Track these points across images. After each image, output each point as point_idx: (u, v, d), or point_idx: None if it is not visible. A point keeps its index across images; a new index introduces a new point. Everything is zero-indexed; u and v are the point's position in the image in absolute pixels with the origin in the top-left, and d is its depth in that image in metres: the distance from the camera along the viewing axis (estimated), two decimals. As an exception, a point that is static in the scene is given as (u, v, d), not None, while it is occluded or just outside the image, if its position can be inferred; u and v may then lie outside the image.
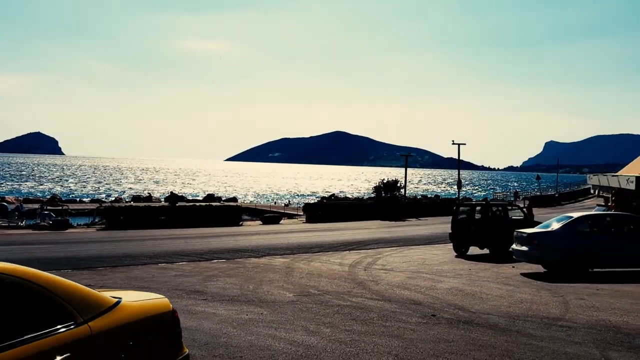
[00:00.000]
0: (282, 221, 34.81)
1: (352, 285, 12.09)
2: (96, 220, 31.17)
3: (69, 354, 3.39)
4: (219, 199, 55.87)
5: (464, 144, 41.56)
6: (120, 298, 4.09)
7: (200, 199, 56.52)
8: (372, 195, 43.92)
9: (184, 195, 62.28)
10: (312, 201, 50.88)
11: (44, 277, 3.61)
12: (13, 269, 3.49)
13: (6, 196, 49.38)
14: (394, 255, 17.74)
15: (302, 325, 8.31)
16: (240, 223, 33.09)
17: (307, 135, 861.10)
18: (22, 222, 31.36)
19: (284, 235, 25.17)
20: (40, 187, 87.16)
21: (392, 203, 39.11)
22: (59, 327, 3.48)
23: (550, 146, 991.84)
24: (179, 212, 32.67)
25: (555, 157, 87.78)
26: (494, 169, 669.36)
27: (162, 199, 54.00)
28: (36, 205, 39.24)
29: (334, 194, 70.93)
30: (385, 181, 41.10)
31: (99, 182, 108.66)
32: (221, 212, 33.79)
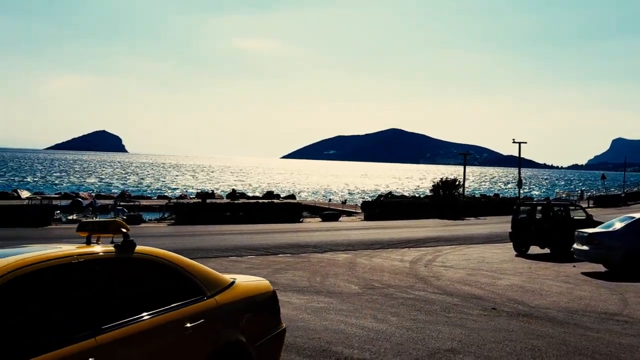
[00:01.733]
0: (340, 218, 35.72)
1: (413, 280, 12.79)
2: (165, 215, 33.07)
3: (203, 319, 4.35)
4: (277, 196, 57.42)
5: (525, 143, 41.15)
6: (234, 279, 5.05)
7: (260, 195, 58.26)
8: (430, 193, 44.18)
9: (244, 192, 64.28)
10: (368, 199, 51.54)
11: (182, 260, 4.60)
12: (163, 253, 4.49)
13: (80, 192, 52.69)
14: (454, 253, 18.25)
15: (369, 313, 9.13)
16: (301, 220, 34.20)
17: (362, 133, 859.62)
18: (96, 217, 33.65)
19: (344, 232, 26.04)
20: (97, 182, 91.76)
21: (450, 202, 39.29)
22: (194, 299, 4.45)
23: (618, 144, 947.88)
24: (242, 208, 34.17)
25: (623, 155, 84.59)
26: (557, 167, 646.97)
27: (224, 196, 56.09)
28: (107, 201, 41.85)
29: (390, 192, 71.27)
30: (443, 179, 41.29)
31: (157, 179, 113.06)
32: (282, 209, 35.07)
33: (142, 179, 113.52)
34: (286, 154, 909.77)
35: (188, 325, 4.22)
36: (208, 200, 39.29)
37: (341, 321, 8.54)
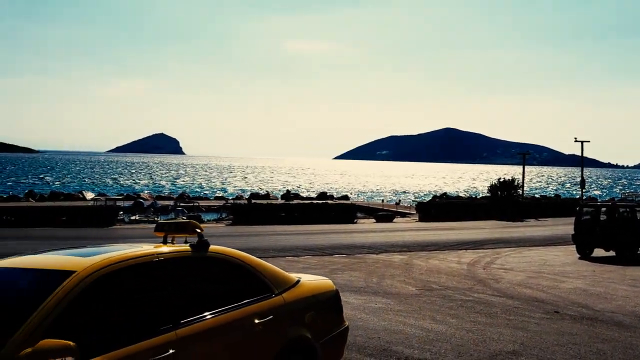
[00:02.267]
0: (395, 219, 35.60)
1: (472, 282, 12.70)
2: (223, 216, 33.95)
3: (272, 316, 4.59)
4: (331, 197, 57.72)
5: (588, 141, 39.76)
6: (299, 277, 5.27)
7: (314, 196, 58.75)
8: (487, 194, 43.34)
9: (298, 193, 64.96)
10: (422, 200, 51.08)
11: (251, 259, 4.86)
12: (234, 252, 4.76)
13: (141, 193, 54.72)
14: (513, 256, 17.94)
15: (428, 315, 9.18)
16: (355, 221, 34.32)
17: (415, 133, 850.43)
18: (157, 218, 34.87)
19: (399, 233, 25.99)
20: (157, 184, 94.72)
21: (508, 203, 38.43)
22: (263, 296, 4.69)
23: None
24: (297, 209, 34.63)
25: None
26: (622, 167, 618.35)
27: (279, 196, 56.90)
28: (167, 202, 43.28)
29: (445, 193, 70.28)
30: (501, 180, 40.43)
31: (213, 180, 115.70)
32: (337, 209, 35.31)
33: (200, 180, 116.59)
34: (339, 154, 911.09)
35: (258, 321, 4.46)
36: (264, 201, 40.02)
37: (400, 322, 8.64)
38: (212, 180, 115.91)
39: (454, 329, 8.16)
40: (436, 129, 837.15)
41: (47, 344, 3.08)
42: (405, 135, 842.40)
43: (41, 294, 3.46)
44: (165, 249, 4.39)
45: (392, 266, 15.22)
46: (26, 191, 55.03)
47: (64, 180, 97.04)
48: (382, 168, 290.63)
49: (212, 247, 4.61)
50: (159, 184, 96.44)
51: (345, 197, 58.97)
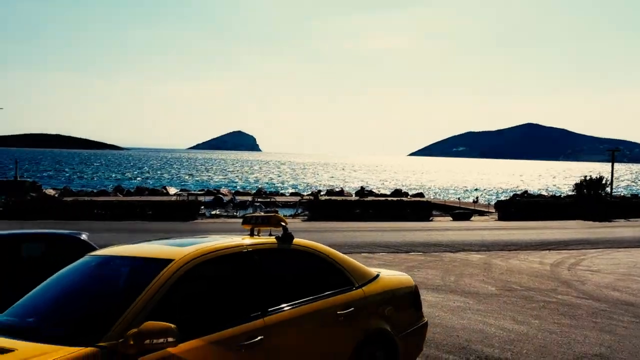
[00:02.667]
0: (472, 218, 34.84)
1: (555, 283, 12.28)
2: (299, 211, 34.56)
3: (353, 308, 4.73)
4: (406, 194, 57.23)
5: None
6: (379, 272, 5.38)
7: (388, 193, 58.47)
8: (572, 193, 41.45)
9: (372, 190, 64.89)
10: (502, 198, 49.56)
11: (333, 252, 5.03)
12: (317, 245, 4.95)
13: (221, 189, 56.66)
14: (600, 257, 17.12)
15: (509, 315, 9.00)
16: (431, 218, 33.91)
17: (494, 129, 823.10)
18: (236, 212, 36.04)
19: (477, 232, 25.42)
20: (234, 180, 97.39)
21: (595, 202, 36.57)
22: (344, 288, 4.85)
23: None
24: (371, 206, 34.68)
25: None
26: None
27: (353, 193, 57.09)
28: (245, 198, 44.59)
29: (526, 191, 67.78)
30: (587, 178, 38.53)
31: (290, 177, 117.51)
32: (412, 207, 35.03)
33: (275, 177, 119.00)
34: (413, 151, 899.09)
35: (339, 312, 4.62)
36: (339, 198, 40.32)
37: (479, 321, 8.55)
38: (287, 177, 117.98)
39: (536, 330, 7.98)
40: (516, 124, 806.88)
41: (150, 325, 3.37)
42: (483, 132, 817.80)
43: (143, 280, 3.78)
44: (253, 240, 4.64)
45: (470, 265, 14.97)
46: (114, 186, 58.44)
47: (147, 176, 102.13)
48: (459, 165, 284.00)
49: (296, 240, 4.82)
50: (237, 180, 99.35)
51: (420, 195, 58.26)
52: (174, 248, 4.22)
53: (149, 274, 3.81)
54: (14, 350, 3.24)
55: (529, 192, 66.88)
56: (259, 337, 3.96)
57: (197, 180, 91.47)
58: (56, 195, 38.42)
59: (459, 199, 58.63)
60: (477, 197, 59.73)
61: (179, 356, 3.52)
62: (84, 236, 7.99)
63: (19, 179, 55.53)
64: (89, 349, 3.25)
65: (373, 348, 4.84)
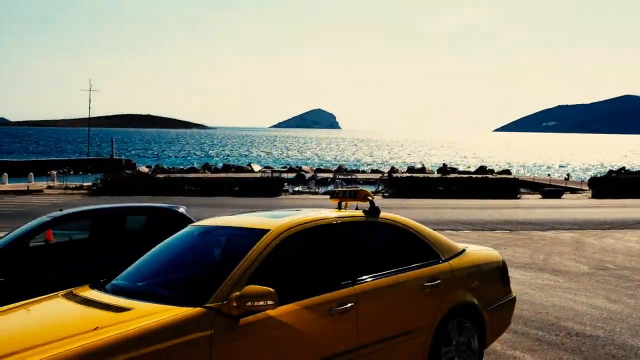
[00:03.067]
0: (563, 196, 33.38)
1: (654, 263, 11.67)
2: (380, 188, 34.59)
3: (439, 280, 4.84)
4: (491, 171, 55.57)
5: None
6: (466, 247, 5.43)
7: (472, 170, 57.03)
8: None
9: (455, 167, 63.53)
10: (594, 175, 47.00)
11: (419, 226, 5.14)
12: (403, 219, 5.08)
13: (302, 166, 57.65)
14: None
15: (602, 294, 8.72)
16: (518, 196, 32.83)
17: (587, 102, 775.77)
18: (318, 189, 36.60)
19: (568, 210, 24.40)
20: (314, 157, 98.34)
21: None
22: (430, 261, 4.95)
23: None
24: (455, 183, 34.05)
25: None
26: None
27: (435, 170, 56.20)
28: (326, 175, 45.14)
29: (623, 168, 63.75)
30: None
31: (369, 154, 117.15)
32: (497, 184, 34.04)
33: (356, 154, 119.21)
34: (499, 127, 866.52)
35: (426, 284, 4.74)
36: (420, 175, 39.87)
37: (570, 299, 8.36)
38: (367, 155, 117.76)
39: (631, 309, 7.70)
40: (612, 96, 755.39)
41: (252, 289, 3.66)
42: (575, 105, 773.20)
43: (243, 248, 4.08)
44: (341, 213, 4.84)
45: (561, 244, 14.49)
46: (202, 164, 60.98)
47: (232, 154, 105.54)
48: (549, 141, 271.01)
49: (383, 214, 4.97)
50: (317, 157, 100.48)
51: (507, 172, 56.34)
52: (270, 219, 4.50)
53: (248, 243, 4.10)
54: (132, 309, 3.64)
55: (626, 168, 62.85)
56: (349, 304, 4.17)
57: (279, 158, 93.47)
58: (149, 173, 40.70)
59: (548, 175, 56.20)
60: (568, 174, 56.96)
61: (277, 318, 3.79)
62: (181, 209, 8.54)
63: (114, 157, 59.30)
64: (197, 309, 3.58)
65: (460, 320, 4.93)
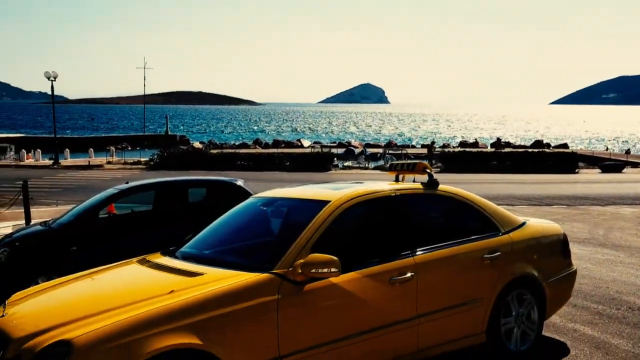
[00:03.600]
0: (624, 170, 32.18)
1: None
2: (432, 163, 34.25)
3: (499, 252, 4.85)
4: (547, 145, 53.95)
5: None
6: (526, 220, 5.40)
7: (528, 145, 55.52)
8: None
9: (509, 141, 61.99)
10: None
11: (478, 199, 5.14)
12: (461, 192, 5.09)
13: (351, 141, 57.57)
14: None
15: (666, 270, 8.47)
16: (576, 171, 31.90)
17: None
18: (368, 164, 36.57)
19: (630, 185, 23.55)
20: (362, 132, 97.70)
21: None
22: (490, 234, 4.96)
23: None
24: (509, 157, 33.34)
25: None
26: None
27: (488, 145, 55.02)
28: (376, 150, 44.97)
29: (690, 141, 60.56)
30: None
31: (413, 128, 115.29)
32: (554, 158, 33.13)
33: (404, 128, 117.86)
34: (556, 99, 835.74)
35: (485, 256, 4.76)
36: (473, 150, 39.17)
37: (631, 274, 8.17)
38: (416, 129, 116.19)
39: (699, 287, 7.46)
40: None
41: (316, 257, 3.80)
42: (637, 75, 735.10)
43: (305, 218, 4.21)
44: (400, 185, 4.90)
45: (622, 219, 14.07)
46: (253, 139, 61.81)
47: (281, 130, 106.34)
48: (608, 113, 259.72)
49: (441, 187, 5.00)
50: (366, 132, 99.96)
51: (564, 146, 54.56)
52: (331, 191, 4.62)
53: (310, 213, 4.23)
54: (204, 274, 3.85)
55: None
56: (409, 274, 4.26)
57: (328, 134, 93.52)
58: (203, 148, 41.62)
59: (607, 149, 54.10)
60: (629, 148, 54.65)
61: (339, 285, 3.93)
62: (240, 182, 8.81)
63: (169, 133, 60.86)
64: (265, 275, 3.76)
65: (520, 292, 4.94)
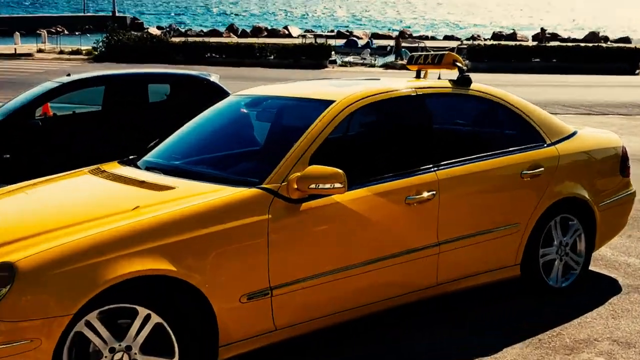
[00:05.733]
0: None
1: None
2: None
3: (542, 168, 4.90)
4: (604, 38, 53.34)
5: None
6: (577, 129, 5.43)
7: (580, 38, 54.87)
8: None
9: (556, 33, 61.17)
10: None
11: (521, 102, 5.14)
12: (501, 93, 5.06)
13: (354, 30, 56.59)
14: None
15: None
16: (638, 72, 31.83)
17: None
18: (375, 60, 36.14)
19: None
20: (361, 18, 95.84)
21: None
22: (532, 145, 4.99)
23: None
24: (555, 53, 33.11)
25: None
26: None
27: (529, 37, 54.32)
28: (385, 42, 44.32)
29: None
30: None
31: (431, 16, 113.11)
32: (611, 55, 32.99)
33: (418, 16, 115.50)
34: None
35: (525, 171, 4.82)
36: (510, 43, 38.66)
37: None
38: (438, 15, 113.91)
39: None
40: None
41: (316, 169, 3.76)
42: None
43: (303, 123, 4.17)
44: (423, 83, 4.87)
45: (693, 131, 14.23)
46: (227, 25, 60.58)
47: (258, 13, 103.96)
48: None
49: (475, 85, 4.94)
50: (372, 18, 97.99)
51: (626, 40, 53.98)
52: (335, 88, 4.58)
53: (309, 116, 4.19)
54: (175, 188, 3.86)
55: None
56: (430, 192, 4.31)
57: (324, 19, 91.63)
58: (162, 35, 40.84)
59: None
60: None
61: (344, 205, 3.95)
62: (213, 78, 8.71)
63: (117, 14, 59.38)
64: (252, 190, 3.75)
65: (565, 217, 5.05)
